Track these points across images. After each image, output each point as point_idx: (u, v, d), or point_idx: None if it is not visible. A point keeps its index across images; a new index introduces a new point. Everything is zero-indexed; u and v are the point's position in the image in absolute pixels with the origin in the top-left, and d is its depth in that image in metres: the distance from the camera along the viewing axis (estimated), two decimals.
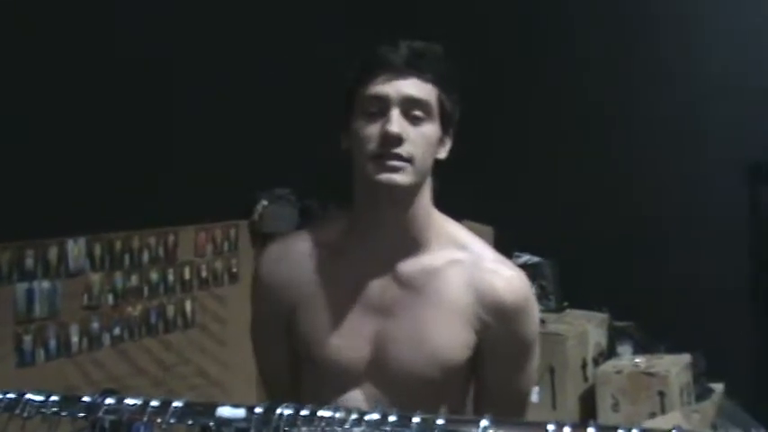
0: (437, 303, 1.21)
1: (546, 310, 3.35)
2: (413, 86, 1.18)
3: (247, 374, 3.22)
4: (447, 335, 1.20)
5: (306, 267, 1.26)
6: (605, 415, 2.92)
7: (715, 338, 3.34)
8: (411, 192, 1.20)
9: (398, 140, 1.15)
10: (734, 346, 3.45)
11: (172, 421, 0.84)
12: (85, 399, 0.85)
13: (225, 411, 0.80)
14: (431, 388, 1.21)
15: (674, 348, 3.20)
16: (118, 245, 2.74)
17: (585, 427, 0.66)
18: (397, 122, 1.15)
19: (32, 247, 2.45)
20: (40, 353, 2.46)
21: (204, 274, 3.09)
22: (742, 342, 3.52)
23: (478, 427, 0.70)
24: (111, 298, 2.70)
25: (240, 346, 3.22)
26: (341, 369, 1.23)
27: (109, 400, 0.84)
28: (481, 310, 1.21)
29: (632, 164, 3.75)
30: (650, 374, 2.91)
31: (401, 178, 1.16)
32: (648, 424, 2.70)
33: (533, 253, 3.60)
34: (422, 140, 1.18)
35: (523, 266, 3.54)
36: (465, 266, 1.23)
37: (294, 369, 1.32)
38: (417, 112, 1.18)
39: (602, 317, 3.36)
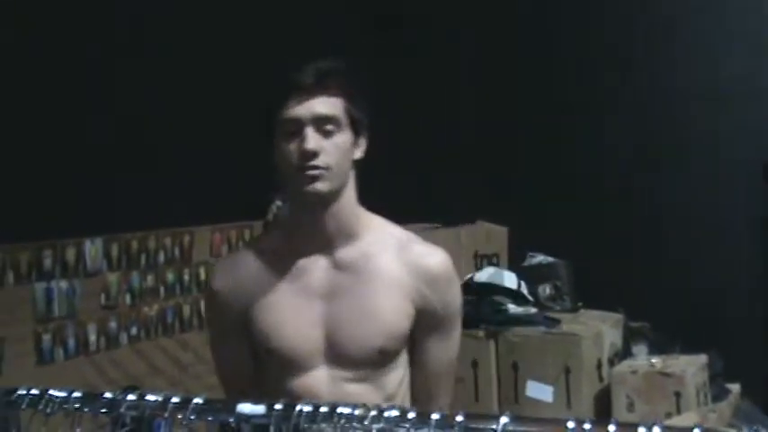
0: (376, 282, 1.38)
1: (561, 310, 3.34)
2: (321, 105, 1.34)
3: None
4: (390, 307, 1.37)
5: (253, 273, 1.42)
6: (620, 415, 2.90)
7: (731, 338, 3.32)
8: (335, 193, 1.37)
9: (314, 155, 1.32)
10: (750, 347, 3.43)
11: (192, 418, 0.85)
12: (107, 395, 0.87)
13: (245, 408, 0.81)
14: (381, 358, 1.38)
15: (689, 349, 3.18)
16: (134, 245, 2.76)
17: (606, 424, 0.67)
18: (311, 139, 1.33)
19: (50, 247, 2.48)
20: (59, 352, 2.48)
21: None
22: (758, 342, 3.50)
23: (498, 423, 0.71)
24: (128, 298, 2.72)
25: None
26: (299, 355, 1.38)
27: (130, 397, 0.85)
28: (417, 284, 1.39)
29: (647, 163, 3.74)
30: (666, 375, 2.90)
31: (322, 185, 1.34)
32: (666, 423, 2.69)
33: (548, 253, 3.59)
34: (335, 150, 1.35)
35: (538, 267, 3.55)
36: (396, 248, 1.41)
37: (252, 371, 1.45)
38: (329, 127, 1.34)
39: (617, 317, 3.35)
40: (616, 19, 3.79)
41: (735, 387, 3.17)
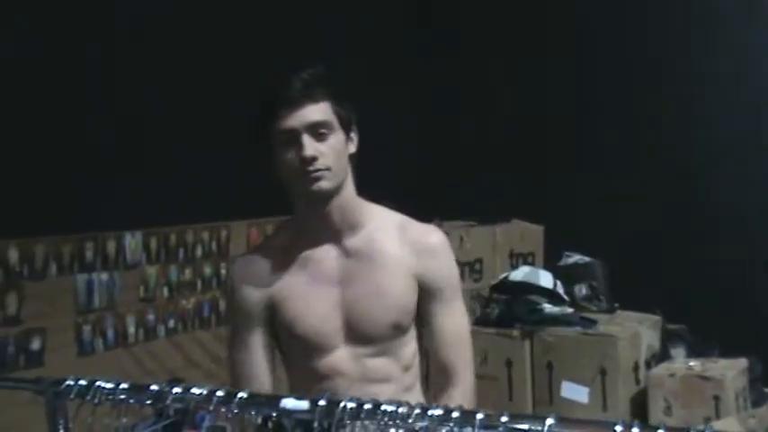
0: (383, 263, 1.52)
1: (597, 310, 3.30)
2: (311, 112, 1.45)
3: None
4: (398, 284, 1.52)
5: (271, 267, 1.54)
6: (657, 418, 2.87)
7: None
8: (337, 190, 1.50)
9: (314, 159, 1.44)
10: None
11: (236, 411, 0.85)
12: (153, 387, 0.88)
13: (289, 403, 0.82)
14: (395, 332, 1.53)
15: (728, 352, 3.12)
16: (173, 239, 2.80)
17: (655, 428, 0.66)
18: (308, 146, 1.44)
19: (92, 239, 2.52)
20: (99, 342, 2.53)
21: None
22: None
23: (544, 424, 0.70)
24: (165, 291, 2.76)
25: None
26: (323, 337, 1.51)
27: (176, 390, 0.86)
28: (417, 259, 1.54)
29: (685, 163, 3.67)
30: (705, 378, 2.85)
31: (326, 184, 1.47)
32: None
33: (584, 253, 3.55)
34: (331, 151, 1.47)
35: (573, 266, 3.52)
36: (396, 231, 1.56)
37: (265, 374, 1.58)
38: (322, 131, 1.46)
39: (654, 319, 3.30)
40: (652, 18, 3.73)
41: None
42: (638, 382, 3.03)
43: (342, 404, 0.79)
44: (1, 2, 2.28)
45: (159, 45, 2.68)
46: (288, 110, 1.44)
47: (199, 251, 2.91)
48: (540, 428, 0.70)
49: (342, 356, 1.51)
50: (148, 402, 0.89)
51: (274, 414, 0.83)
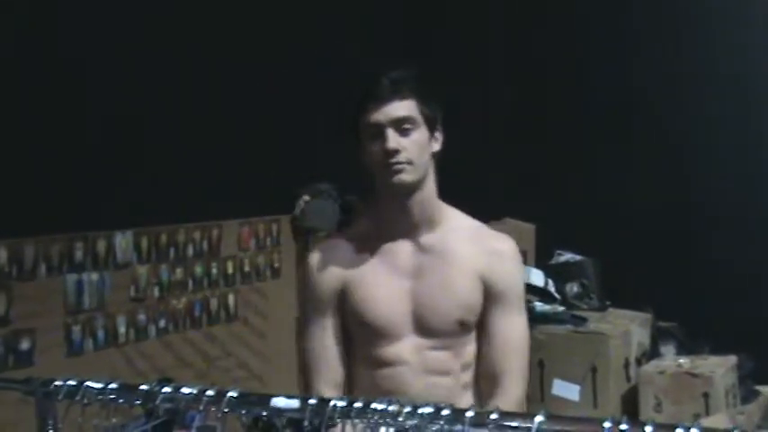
0: (454, 262, 1.58)
1: (588, 308, 3.32)
2: (397, 109, 1.54)
3: (288, 367, 3.26)
4: (466, 283, 1.58)
5: (347, 255, 1.62)
6: (647, 415, 2.88)
7: (761, 340, 3.27)
8: (417, 184, 1.57)
9: (396, 152, 1.52)
10: None
11: (226, 411, 0.85)
12: (143, 387, 0.87)
13: (279, 402, 0.81)
14: (460, 329, 1.58)
15: (718, 349, 3.14)
16: (164, 238, 2.79)
17: (643, 425, 0.66)
18: (392, 139, 1.53)
19: (82, 239, 2.51)
20: (89, 343, 2.51)
21: (247, 268, 3.13)
22: None
23: (533, 421, 0.70)
24: (156, 290, 2.75)
25: (281, 339, 3.25)
26: (390, 326, 1.57)
27: (166, 389, 0.86)
28: (487, 264, 1.59)
29: (677, 162, 3.69)
30: (694, 375, 2.86)
31: (406, 176, 1.54)
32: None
33: (575, 251, 3.57)
34: (414, 146, 1.54)
35: (565, 265, 3.53)
36: (469, 234, 1.63)
37: (337, 360, 1.61)
38: (406, 126, 1.54)
39: (645, 316, 3.31)
40: (653, 18, 3.74)
41: (765, 389, 3.12)
42: (628, 379, 3.05)
43: (332, 403, 0.79)
44: (1, 2, 2.27)
45: (154, 45, 2.67)
46: (375, 105, 1.54)
47: (190, 250, 2.90)
48: (529, 426, 0.70)
49: (406, 346, 1.57)
50: (138, 402, 0.88)
51: (265, 413, 0.83)
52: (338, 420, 0.80)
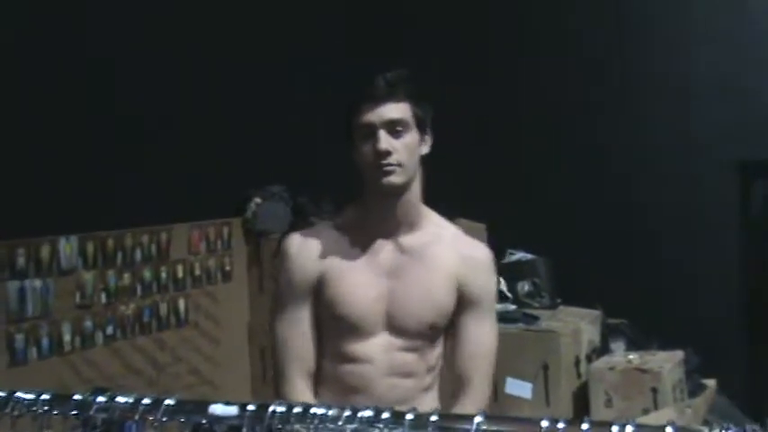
0: (431, 265, 1.60)
1: (539, 307, 3.35)
2: (390, 110, 1.55)
3: (240, 372, 3.22)
4: (441, 287, 1.59)
5: (328, 244, 1.62)
6: (598, 411, 2.92)
7: (707, 335, 3.35)
8: (405, 186, 1.59)
9: (387, 153, 1.53)
10: (726, 343, 3.46)
11: (164, 419, 0.83)
12: (77, 397, 0.85)
13: (217, 409, 0.80)
14: (431, 332, 1.59)
15: (666, 345, 3.20)
16: (110, 243, 2.73)
17: (579, 423, 0.66)
18: (384, 141, 1.53)
19: (24, 245, 2.44)
20: (33, 352, 2.45)
21: (197, 272, 3.08)
22: (734, 338, 3.53)
23: (472, 423, 0.70)
24: (103, 296, 2.69)
25: (233, 343, 3.22)
26: (364, 323, 1.57)
27: (100, 399, 0.83)
28: (463, 269, 1.61)
29: (625, 162, 3.75)
30: (643, 371, 2.92)
31: (396, 178, 1.55)
32: (642, 420, 2.71)
33: (526, 250, 3.60)
34: (405, 148, 1.56)
35: (517, 264, 3.56)
36: (448, 240, 1.64)
37: (311, 352, 1.61)
38: (398, 128, 1.55)
39: (595, 314, 3.37)
40: (597, 19, 3.80)
41: (711, 383, 3.20)
42: (579, 376, 3.09)
43: (271, 408, 0.77)
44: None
45: (111, 44, 2.62)
46: (369, 106, 1.55)
47: (138, 255, 2.84)
48: (468, 428, 0.70)
49: (376, 345, 1.58)
50: (73, 413, 0.86)
51: (204, 421, 0.81)
52: (279, 426, 0.79)
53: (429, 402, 1.59)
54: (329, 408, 0.77)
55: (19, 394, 0.84)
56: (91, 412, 0.83)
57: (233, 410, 0.79)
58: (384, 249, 1.60)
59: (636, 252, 3.68)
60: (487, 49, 3.94)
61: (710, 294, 3.53)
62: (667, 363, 2.97)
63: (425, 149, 1.63)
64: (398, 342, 1.58)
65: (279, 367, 1.62)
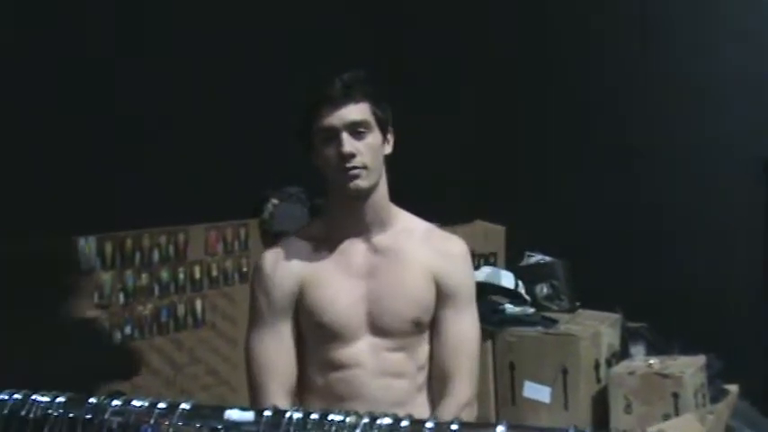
0: (407, 262, 1.59)
1: (558, 310, 3.32)
2: (351, 112, 1.53)
3: None
4: (419, 282, 1.59)
5: (301, 257, 1.60)
6: (618, 417, 2.89)
7: (730, 339, 3.30)
8: (372, 188, 1.57)
9: (351, 156, 1.52)
10: (749, 347, 3.41)
11: (179, 424, 0.82)
12: (92, 400, 0.84)
13: (233, 414, 0.78)
14: (415, 329, 1.59)
15: (687, 349, 3.16)
16: (128, 243, 2.73)
17: None
18: (347, 143, 1.52)
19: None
20: None
21: (215, 273, 3.08)
22: (757, 343, 3.48)
23: (495, 431, 0.68)
24: (121, 297, 2.69)
25: None
26: (347, 327, 1.56)
27: (115, 402, 0.82)
28: (439, 263, 1.61)
29: (647, 162, 3.71)
30: (664, 376, 2.88)
31: (362, 182, 1.54)
32: (663, 426, 2.68)
33: (545, 253, 3.57)
34: (368, 149, 1.54)
35: (535, 266, 3.53)
36: (421, 235, 1.64)
37: (288, 367, 1.59)
38: (360, 129, 1.53)
39: (615, 317, 3.33)
40: (617, 17, 3.77)
41: (733, 388, 3.15)
42: (598, 380, 3.05)
43: (288, 414, 0.76)
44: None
45: (119, 47, 2.62)
46: (329, 109, 1.52)
47: (156, 255, 2.84)
48: None
49: (362, 348, 1.56)
50: (87, 417, 0.85)
51: (219, 426, 0.80)
52: None
53: (422, 402, 1.59)
54: (347, 414, 0.75)
55: (35, 397, 0.84)
56: (106, 416, 0.82)
57: (249, 416, 0.78)
58: (358, 252, 1.59)
59: (657, 254, 3.63)
60: (509, 49, 3.92)
61: (733, 298, 3.48)
62: (689, 367, 2.93)
63: (388, 149, 1.61)
64: (384, 342, 1.57)
65: (257, 385, 1.60)
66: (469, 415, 1.52)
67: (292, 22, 3.34)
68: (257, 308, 1.63)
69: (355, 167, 1.52)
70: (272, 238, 3.29)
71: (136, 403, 0.83)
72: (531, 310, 3.22)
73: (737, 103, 3.53)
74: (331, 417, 0.75)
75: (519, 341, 3.02)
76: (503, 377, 3.03)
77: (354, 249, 1.59)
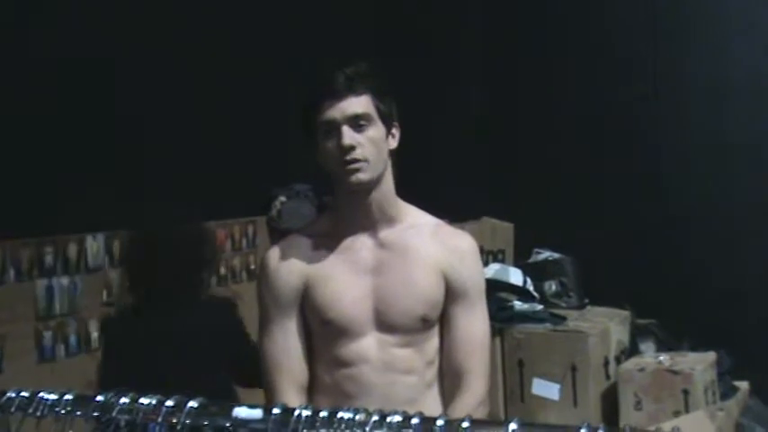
0: (415, 257, 1.58)
1: (567, 307, 3.31)
2: (352, 105, 1.51)
3: None
4: (427, 278, 1.57)
5: (307, 253, 1.59)
6: (627, 413, 2.87)
7: (740, 336, 3.28)
8: (375, 181, 1.55)
9: (352, 149, 1.50)
10: (759, 344, 3.38)
11: (187, 422, 0.82)
12: (99, 398, 0.83)
13: (241, 412, 0.78)
14: (423, 325, 1.57)
15: (697, 346, 3.14)
16: None
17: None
18: (347, 136, 1.50)
19: (52, 243, 2.45)
20: (61, 348, 2.46)
21: (222, 270, 3.08)
22: (767, 339, 3.46)
23: (507, 430, 0.68)
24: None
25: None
26: (354, 323, 1.54)
27: (123, 400, 0.82)
28: (447, 259, 1.59)
29: (655, 159, 3.69)
30: (674, 372, 2.86)
31: (363, 175, 1.52)
32: (674, 422, 2.66)
33: (554, 249, 3.56)
34: (370, 143, 1.52)
35: (543, 263, 3.51)
36: (429, 230, 1.62)
37: (300, 362, 1.58)
38: (361, 122, 1.52)
39: (624, 314, 3.31)
40: (629, 17, 3.74)
41: (743, 385, 3.13)
42: (608, 377, 3.04)
43: (296, 412, 0.75)
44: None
45: (124, 44, 2.62)
46: (330, 102, 1.50)
47: None
48: None
49: (369, 344, 1.55)
50: (95, 414, 0.85)
51: (228, 424, 0.80)
52: (303, 431, 0.77)
53: (432, 399, 1.57)
54: (357, 412, 0.74)
55: (42, 395, 0.83)
56: (113, 414, 0.81)
57: (257, 414, 0.77)
58: (363, 247, 1.58)
59: (666, 251, 3.61)
60: (517, 48, 3.91)
61: (743, 294, 3.45)
62: (699, 364, 2.91)
63: (394, 144, 1.59)
64: (391, 338, 1.55)
65: (270, 383, 1.59)
66: (483, 412, 1.51)
67: (307, 13, 3.33)
68: (264, 306, 1.62)
69: (356, 160, 1.50)
70: (279, 235, 3.28)
71: (143, 401, 0.82)
72: (540, 307, 3.21)
73: (748, 100, 3.51)
74: (340, 414, 0.74)
75: (527, 338, 3.01)
76: (511, 374, 3.02)
77: (361, 245, 1.58)
